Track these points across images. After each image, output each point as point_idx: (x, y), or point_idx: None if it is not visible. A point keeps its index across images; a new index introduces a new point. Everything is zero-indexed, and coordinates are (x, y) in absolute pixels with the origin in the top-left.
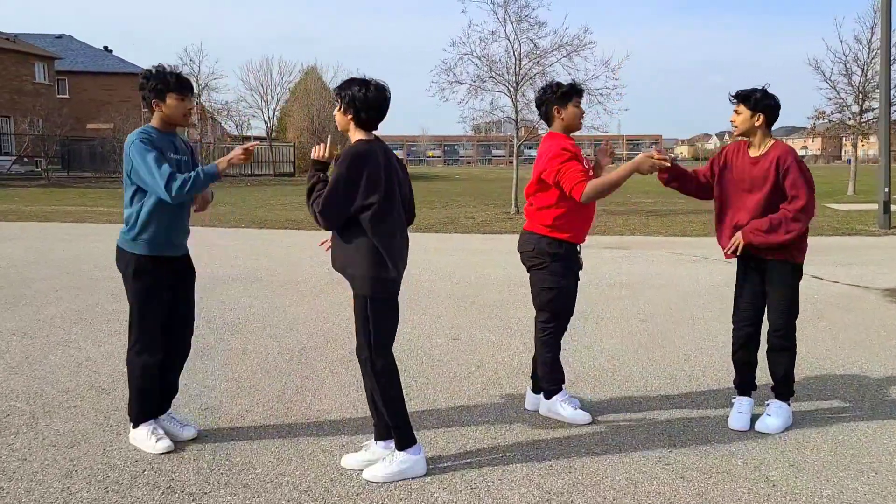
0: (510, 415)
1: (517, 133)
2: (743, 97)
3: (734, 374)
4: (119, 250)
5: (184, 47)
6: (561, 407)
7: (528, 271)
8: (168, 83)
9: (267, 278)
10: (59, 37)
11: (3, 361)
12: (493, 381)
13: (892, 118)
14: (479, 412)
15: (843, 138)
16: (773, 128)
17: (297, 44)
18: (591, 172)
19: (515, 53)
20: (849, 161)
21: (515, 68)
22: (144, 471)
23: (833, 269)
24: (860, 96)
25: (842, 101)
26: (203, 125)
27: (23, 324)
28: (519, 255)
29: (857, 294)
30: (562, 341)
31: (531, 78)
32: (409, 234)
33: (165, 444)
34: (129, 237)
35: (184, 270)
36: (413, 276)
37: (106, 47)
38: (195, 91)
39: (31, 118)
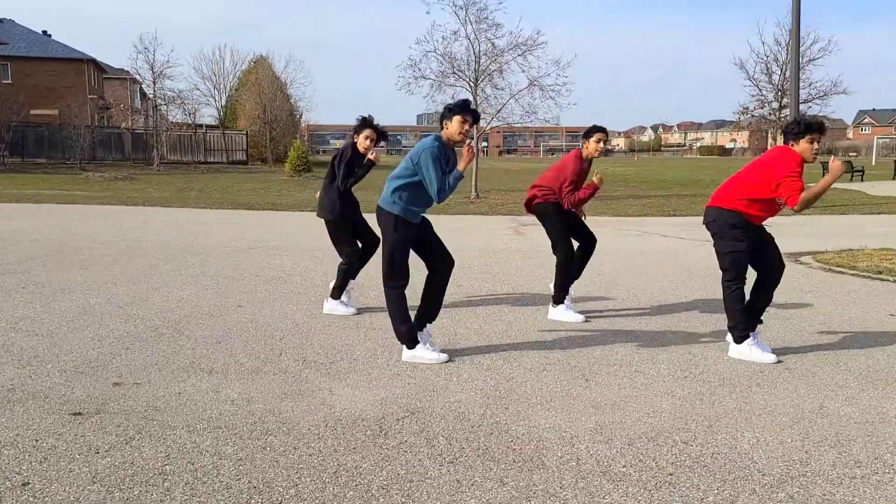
0: (494, 324)
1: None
2: None
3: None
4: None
5: (139, 35)
6: (750, 349)
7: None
8: (456, 106)
9: (284, 247)
10: (1, 21)
11: (119, 299)
12: (490, 311)
13: (810, 113)
14: (470, 321)
15: (767, 132)
16: (704, 120)
17: (249, 31)
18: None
19: (475, 52)
20: None
21: (475, 65)
22: (283, 351)
23: (702, 233)
24: (779, 93)
25: (763, 98)
26: (156, 115)
27: (106, 278)
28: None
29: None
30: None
31: (489, 74)
32: None
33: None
34: (391, 201)
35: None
36: None
37: (45, 31)
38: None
39: None
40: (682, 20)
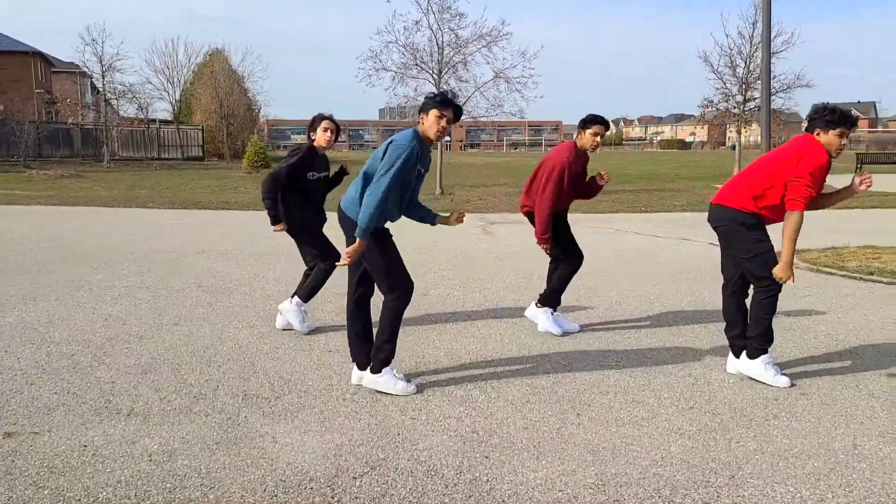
0: (467, 342)
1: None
2: None
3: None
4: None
5: (86, 26)
6: (765, 367)
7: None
8: (432, 99)
9: (235, 251)
10: None
11: (35, 318)
12: (461, 327)
13: (772, 107)
14: (440, 339)
15: (728, 125)
16: (664, 114)
17: (206, 23)
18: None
19: (438, 43)
20: (732, 147)
21: (438, 57)
22: (221, 384)
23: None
24: (743, 87)
25: (727, 91)
26: (106, 110)
27: (26, 291)
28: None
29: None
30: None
31: (453, 66)
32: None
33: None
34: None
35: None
36: None
37: None
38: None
39: None
40: (650, 14)
